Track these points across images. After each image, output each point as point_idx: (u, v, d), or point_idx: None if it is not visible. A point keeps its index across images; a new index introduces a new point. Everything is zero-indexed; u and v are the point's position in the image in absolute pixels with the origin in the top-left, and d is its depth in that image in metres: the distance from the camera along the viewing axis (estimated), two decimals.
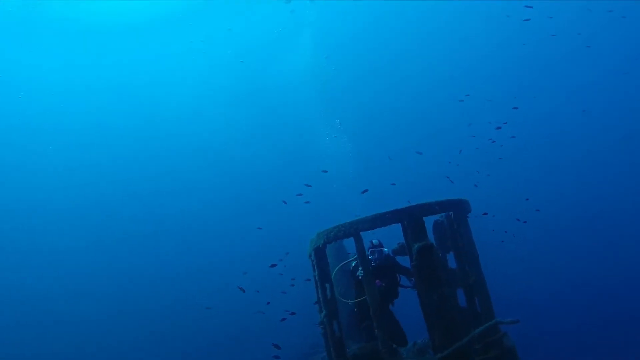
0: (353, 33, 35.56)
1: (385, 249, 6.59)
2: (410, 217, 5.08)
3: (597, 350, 16.95)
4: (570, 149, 34.06)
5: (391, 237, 6.64)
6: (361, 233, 5.40)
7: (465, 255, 5.85)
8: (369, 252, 6.29)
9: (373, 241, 6.56)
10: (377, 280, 6.09)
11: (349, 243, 6.74)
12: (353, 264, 6.59)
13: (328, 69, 31.60)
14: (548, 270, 25.26)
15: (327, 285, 6.01)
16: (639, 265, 23.55)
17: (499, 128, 24.72)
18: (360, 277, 5.92)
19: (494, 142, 26.71)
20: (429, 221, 5.75)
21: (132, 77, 35.02)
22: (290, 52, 32.62)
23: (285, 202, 17.82)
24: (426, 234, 5.11)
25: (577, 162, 33.69)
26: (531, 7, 25.06)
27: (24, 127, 34.42)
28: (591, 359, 16.48)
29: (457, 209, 5.76)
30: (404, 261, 6.46)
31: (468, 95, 31.51)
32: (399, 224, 5.46)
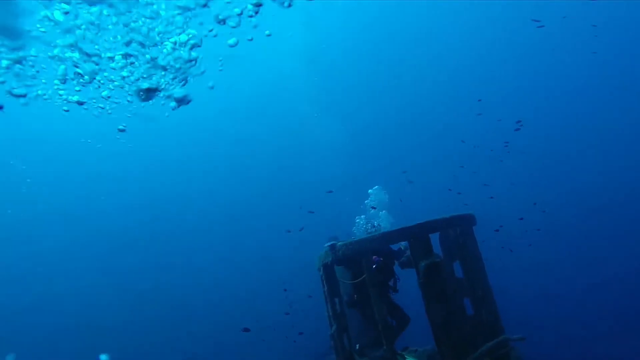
0: (350, 34, 34.60)
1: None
2: (416, 235, 5.21)
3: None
4: (579, 153, 33.52)
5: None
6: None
7: (472, 268, 5.95)
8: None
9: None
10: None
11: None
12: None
13: (330, 73, 31.17)
14: (559, 276, 24.85)
15: (337, 299, 6.15)
16: None
17: (517, 129, 24.27)
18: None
19: (507, 144, 26.38)
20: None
21: None
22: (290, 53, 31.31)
23: (289, 231, 17.22)
24: (432, 250, 5.23)
25: (588, 165, 33.05)
26: (539, 20, 24.86)
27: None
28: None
29: (462, 224, 5.87)
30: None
31: (480, 100, 31.26)
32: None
